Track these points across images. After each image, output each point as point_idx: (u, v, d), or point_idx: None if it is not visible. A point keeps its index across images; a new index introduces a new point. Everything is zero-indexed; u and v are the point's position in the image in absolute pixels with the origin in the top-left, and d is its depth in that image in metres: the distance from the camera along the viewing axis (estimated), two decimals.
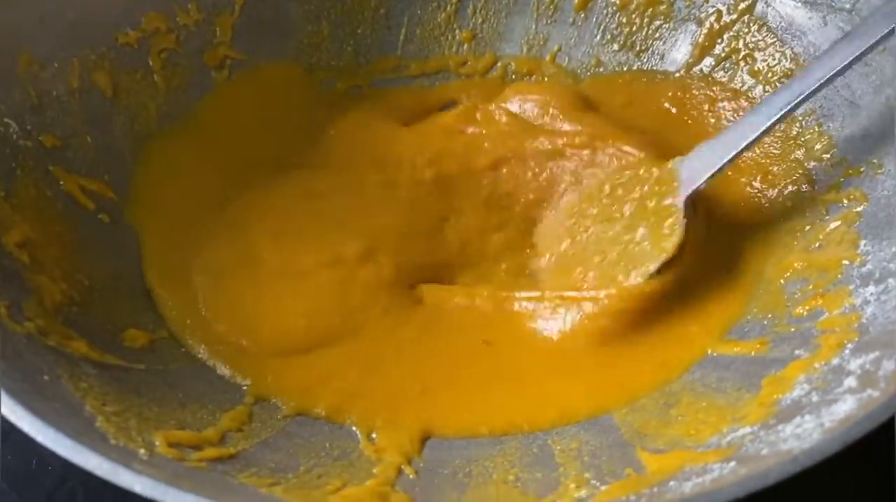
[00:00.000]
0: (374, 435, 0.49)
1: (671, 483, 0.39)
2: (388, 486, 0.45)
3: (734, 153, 0.54)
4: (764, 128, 0.53)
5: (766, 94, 0.62)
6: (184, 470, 0.40)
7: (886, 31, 0.51)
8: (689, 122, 0.64)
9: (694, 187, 0.55)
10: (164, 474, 0.37)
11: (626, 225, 0.56)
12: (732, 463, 0.38)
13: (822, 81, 0.52)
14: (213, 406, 0.48)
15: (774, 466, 0.35)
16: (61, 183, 0.54)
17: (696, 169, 0.55)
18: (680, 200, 0.55)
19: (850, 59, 0.51)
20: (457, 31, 0.71)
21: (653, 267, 0.54)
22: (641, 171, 0.58)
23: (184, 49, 0.64)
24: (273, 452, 0.46)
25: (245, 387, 0.51)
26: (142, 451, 0.39)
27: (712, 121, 0.64)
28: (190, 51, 0.64)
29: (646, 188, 0.56)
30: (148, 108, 0.62)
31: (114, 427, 0.40)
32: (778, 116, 0.53)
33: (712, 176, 0.55)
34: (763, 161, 0.60)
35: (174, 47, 0.64)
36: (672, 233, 0.54)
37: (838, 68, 0.52)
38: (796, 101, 0.53)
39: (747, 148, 0.54)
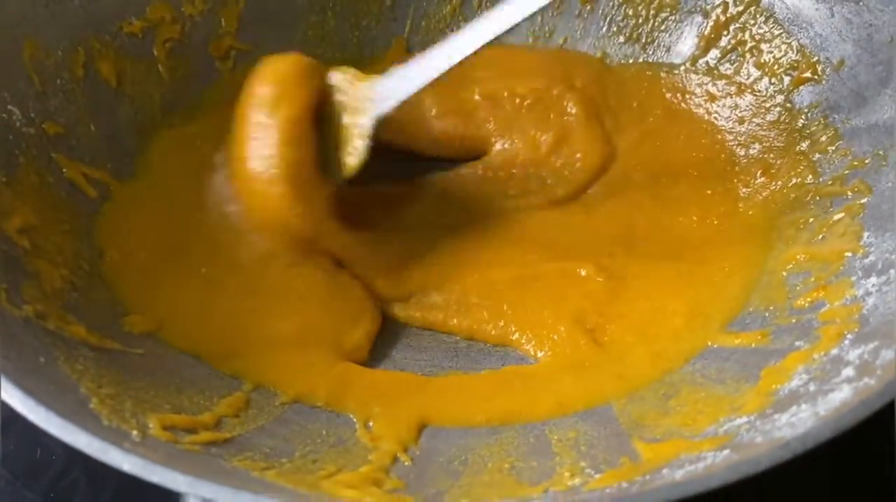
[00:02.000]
0: (370, 423, 0.49)
1: (664, 470, 0.39)
2: (383, 472, 0.45)
3: (427, 80, 0.54)
4: (461, 58, 0.53)
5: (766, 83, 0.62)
6: (176, 452, 0.40)
7: None
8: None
9: (382, 111, 0.54)
10: (156, 455, 0.37)
11: (324, 137, 0.55)
12: (726, 452, 0.38)
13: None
14: (211, 392, 0.48)
15: (766, 452, 0.34)
16: (64, 170, 0.55)
17: (387, 92, 0.54)
18: (366, 121, 0.54)
19: None
20: (462, 24, 0.70)
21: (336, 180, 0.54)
22: (343, 87, 0.56)
23: (189, 39, 0.64)
24: (269, 438, 0.46)
25: None
26: (134, 433, 0.39)
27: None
28: (195, 41, 0.64)
29: (344, 103, 0.55)
30: (152, 97, 0.62)
31: (107, 408, 0.41)
32: (477, 47, 0.53)
33: (400, 102, 0.54)
34: (765, 155, 0.60)
35: (179, 37, 0.64)
36: (353, 154, 0.54)
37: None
38: (501, 32, 0.52)
39: (442, 76, 0.54)
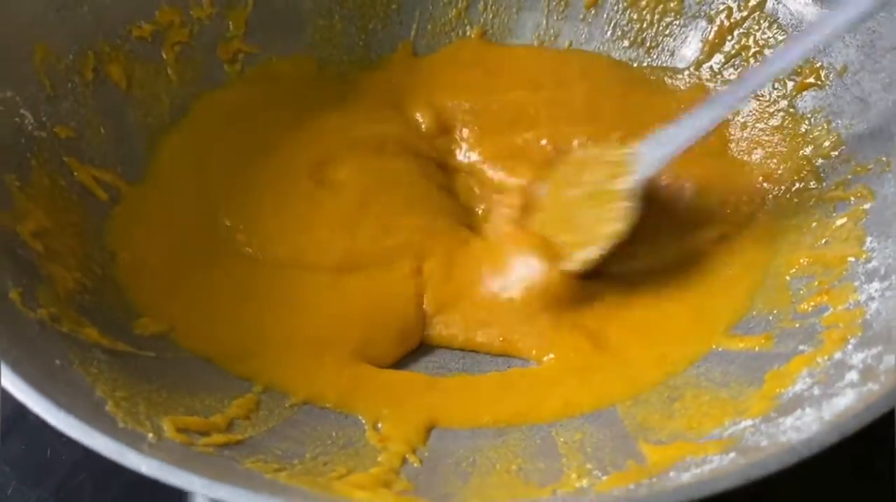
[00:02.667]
0: (379, 425, 0.49)
1: (671, 473, 0.39)
2: (393, 473, 0.45)
3: (690, 140, 0.55)
4: (720, 118, 0.55)
5: (775, 89, 0.63)
6: (191, 454, 0.41)
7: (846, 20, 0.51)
8: None
9: (648, 173, 0.55)
10: (172, 457, 0.37)
11: (583, 205, 0.56)
12: (732, 455, 0.39)
13: (778, 71, 0.54)
14: (222, 393, 0.49)
15: (773, 456, 0.35)
16: (75, 173, 0.55)
17: (652, 155, 0.55)
18: (631, 185, 0.55)
19: (804, 50, 0.53)
20: (467, 27, 0.71)
21: (594, 252, 0.54)
22: (604, 152, 0.57)
23: (197, 42, 0.65)
24: (280, 440, 0.47)
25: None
26: (150, 435, 0.40)
27: None
28: (203, 44, 0.65)
29: (605, 170, 0.56)
30: (161, 100, 0.63)
31: (123, 411, 0.41)
32: (733, 106, 0.55)
33: (666, 162, 0.55)
34: (768, 161, 0.60)
35: (187, 41, 0.64)
36: (618, 219, 0.54)
37: (796, 58, 0.53)
38: (752, 91, 0.55)
39: (704, 136, 0.55)
